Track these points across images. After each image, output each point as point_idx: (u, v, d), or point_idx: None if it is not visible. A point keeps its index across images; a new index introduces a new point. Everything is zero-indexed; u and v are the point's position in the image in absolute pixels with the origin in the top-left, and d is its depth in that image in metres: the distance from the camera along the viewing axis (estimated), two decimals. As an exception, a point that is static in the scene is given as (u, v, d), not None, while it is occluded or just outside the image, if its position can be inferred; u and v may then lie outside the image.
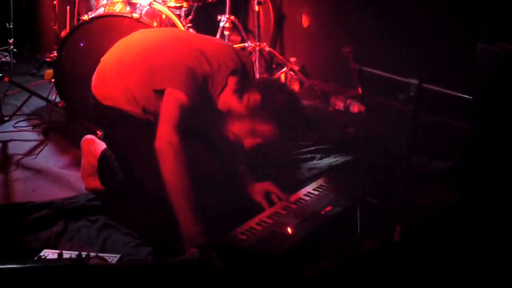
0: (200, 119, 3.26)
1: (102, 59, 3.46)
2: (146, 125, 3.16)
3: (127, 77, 3.25)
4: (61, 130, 4.58)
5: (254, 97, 3.13)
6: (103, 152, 3.56)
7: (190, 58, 3.16)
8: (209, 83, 3.16)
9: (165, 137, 2.98)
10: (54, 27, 5.61)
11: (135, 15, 4.24)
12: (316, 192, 3.41)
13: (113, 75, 3.31)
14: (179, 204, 2.93)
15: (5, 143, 4.37)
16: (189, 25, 5.02)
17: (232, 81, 3.18)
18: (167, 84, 3.08)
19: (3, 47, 5.83)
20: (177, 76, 3.09)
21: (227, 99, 3.19)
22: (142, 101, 3.23)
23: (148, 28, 4.11)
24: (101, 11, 4.51)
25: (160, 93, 3.09)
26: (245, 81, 3.23)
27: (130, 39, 3.47)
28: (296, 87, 5.72)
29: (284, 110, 3.12)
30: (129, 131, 3.27)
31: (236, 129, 3.18)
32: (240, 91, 3.17)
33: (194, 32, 4.93)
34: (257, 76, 5.61)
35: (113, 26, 4.23)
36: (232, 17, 5.63)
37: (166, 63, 3.17)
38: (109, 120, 3.35)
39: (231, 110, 3.18)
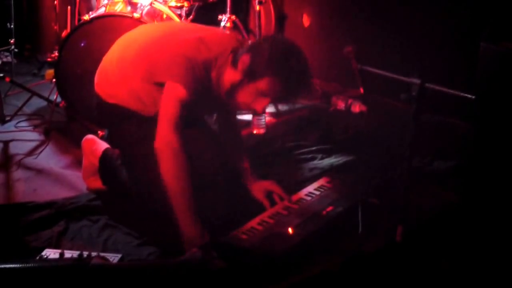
0: (201, 110, 3.26)
1: (104, 58, 3.46)
2: (152, 122, 3.15)
3: (131, 76, 3.25)
4: (62, 130, 4.58)
5: (244, 58, 3.05)
6: (104, 152, 3.56)
7: (188, 48, 3.15)
8: (212, 70, 3.15)
9: (165, 137, 2.99)
10: (55, 27, 5.62)
11: (136, 15, 4.24)
12: (317, 192, 3.40)
13: (116, 74, 3.31)
14: (178, 205, 2.94)
15: (6, 143, 4.38)
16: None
17: (230, 58, 3.15)
18: (167, 77, 3.08)
19: (4, 47, 5.83)
20: (176, 69, 3.08)
21: (227, 76, 3.14)
22: (148, 98, 3.22)
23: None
24: (102, 11, 4.51)
25: (161, 85, 3.09)
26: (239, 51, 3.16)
27: (130, 36, 3.47)
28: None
29: (276, 56, 3.02)
30: (134, 129, 3.27)
31: (244, 97, 3.11)
32: (234, 62, 3.11)
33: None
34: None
35: (114, 26, 4.23)
36: (233, 17, 5.63)
37: (165, 56, 3.17)
38: (113, 118, 3.35)
39: (232, 83, 3.12)
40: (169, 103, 3.04)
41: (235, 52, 3.15)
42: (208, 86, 3.15)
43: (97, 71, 3.45)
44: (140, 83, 3.22)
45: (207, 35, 3.27)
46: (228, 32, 3.61)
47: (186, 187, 2.96)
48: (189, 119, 3.10)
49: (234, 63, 3.10)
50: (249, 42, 3.39)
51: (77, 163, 3.99)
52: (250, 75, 3.04)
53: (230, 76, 3.11)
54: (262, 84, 3.02)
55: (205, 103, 3.20)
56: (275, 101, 3.14)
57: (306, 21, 6.04)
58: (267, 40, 3.13)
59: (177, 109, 3.01)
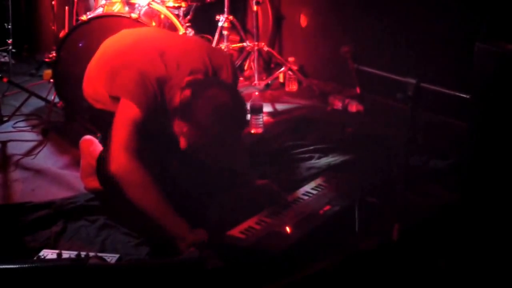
0: (158, 125, 3.20)
1: (90, 62, 3.48)
2: None
3: (97, 83, 3.27)
4: (60, 130, 4.58)
5: (186, 92, 3.01)
6: (102, 152, 3.56)
7: (144, 61, 3.14)
8: (165, 87, 3.10)
9: (118, 163, 2.99)
10: (53, 28, 5.62)
11: (134, 15, 4.25)
12: (314, 192, 3.41)
13: (95, 76, 3.33)
14: (157, 216, 2.96)
15: (4, 143, 4.38)
16: (187, 24, 5.03)
17: (185, 80, 3.08)
18: (121, 93, 3.08)
19: (2, 48, 5.84)
20: (131, 85, 3.06)
21: (175, 98, 3.07)
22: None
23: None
24: (99, 11, 4.52)
25: (117, 100, 3.10)
26: (197, 81, 3.10)
27: (110, 40, 3.49)
28: (294, 86, 5.74)
29: (208, 114, 2.95)
30: None
31: (175, 126, 3.07)
32: (183, 88, 3.04)
33: (192, 31, 4.93)
34: (256, 76, 5.65)
35: (111, 26, 4.22)
36: (231, 17, 5.65)
37: (122, 66, 3.16)
38: (103, 122, 3.35)
39: (175, 107, 3.07)
40: (122, 125, 3.02)
41: (195, 74, 3.12)
42: (162, 103, 3.11)
43: (84, 77, 3.46)
44: (104, 91, 3.24)
45: (172, 49, 3.24)
46: (200, 44, 3.47)
47: (156, 199, 2.96)
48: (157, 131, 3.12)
49: (182, 89, 3.05)
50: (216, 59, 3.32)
51: (75, 163, 3.99)
52: (183, 112, 3.01)
53: (175, 100, 3.07)
54: (184, 127, 3.01)
55: (160, 120, 3.16)
56: (189, 149, 3.06)
57: (303, 21, 6.05)
58: (218, 88, 3.05)
59: (130, 131, 3.00)
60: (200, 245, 2.82)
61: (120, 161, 2.98)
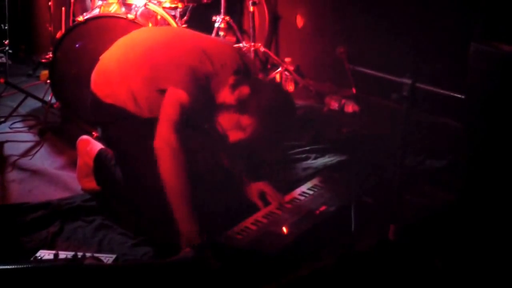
0: (202, 118, 3.28)
1: (102, 57, 3.46)
2: (147, 124, 3.15)
3: (131, 78, 3.25)
4: (57, 131, 4.58)
5: (244, 89, 3.11)
6: (99, 153, 3.57)
7: (192, 58, 3.17)
8: (212, 83, 3.17)
9: (164, 137, 3.00)
10: (50, 28, 5.62)
11: (130, 16, 4.25)
12: (310, 192, 3.42)
13: (116, 74, 3.31)
14: (177, 204, 2.93)
15: (1, 144, 4.37)
16: (184, 25, 5.04)
17: (231, 80, 3.17)
18: (170, 84, 3.10)
19: (-1, 49, 5.84)
20: (180, 76, 3.11)
21: (223, 94, 3.17)
22: (145, 103, 3.23)
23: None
24: (96, 12, 4.52)
25: (161, 92, 3.11)
26: (244, 79, 3.19)
27: (132, 38, 3.47)
28: (291, 87, 5.74)
29: (273, 106, 3.11)
30: (128, 130, 3.27)
31: (224, 121, 3.16)
32: (234, 86, 3.15)
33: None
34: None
35: (108, 27, 4.23)
36: (227, 18, 5.65)
37: (169, 63, 3.19)
38: (108, 118, 3.35)
39: (224, 103, 3.16)
40: (170, 105, 3.05)
41: (238, 74, 3.18)
42: (208, 96, 3.17)
43: (95, 70, 3.45)
44: (141, 86, 3.23)
45: (211, 47, 3.28)
46: (229, 44, 3.58)
47: (185, 185, 2.96)
48: (190, 127, 3.13)
49: (233, 86, 3.14)
50: (252, 61, 3.42)
51: (71, 164, 3.99)
52: (241, 106, 3.11)
53: (225, 95, 3.16)
54: (247, 121, 3.11)
55: (204, 111, 3.21)
56: (248, 141, 3.15)
57: (299, 22, 6.06)
58: (270, 85, 3.24)
59: (178, 111, 3.03)
60: (197, 245, 2.83)
61: (165, 133, 3.01)
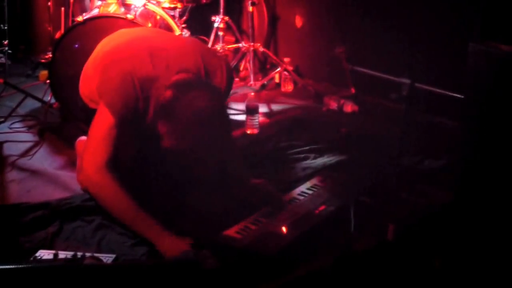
0: (146, 126, 3.20)
1: (87, 61, 3.49)
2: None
3: (95, 79, 3.28)
4: (56, 131, 4.58)
5: (168, 94, 3.00)
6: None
7: (131, 60, 3.14)
8: (152, 87, 3.10)
9: (85, 174, 3.06)
10: (49, 28, 5.62)
11: (130, 16, 4.25)
12: (310, 192, 3.42)
13: (91, 75, 3.34)
14: (128, 224, 3.03)
15: (0, 144, 4.37)
16: (183, 25, 5.04)
17: (172, 80, 3.07)
18: (101, 95, 3.12)
19: (-2, 49, 5.84)
20: (110, 85, 3.09)
21: (160, 98, 3.06)
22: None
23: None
24: (95, 12, 4.52)
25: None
26: (187, 81, 3.08)
27: (106, 39, 3.51)
28: (290, 87, 5.75)
29: (196, 118, 2.92)
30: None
31: (159, 126, 3.03)
32: (168, 86, 3.03)
33: (187, 32, 4.95)
34: (251, 76, 5.67)
35: (107, 27, 4.22)
36: (226, 18, 5.66)
37: (111, 64, 3.18)
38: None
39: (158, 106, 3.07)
40: (96, 136, 3.08)
41: (178, 77, 3.10)
42: (147, 104, 3.11)
43: (82, 72, 3.48)
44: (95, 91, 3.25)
45: (164, 49, 3.23)
46: (194, 45, 3.46)
47: (125, 208, 3.01)
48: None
49: (165, 90, 3.04)
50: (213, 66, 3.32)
51: (71, 164, 3.99)
52: (162, 112, 3.02)
53: (160, 100, 3.05)
54: (163, 130, 3.00)
55: (147, 121, 3.16)
56: (175, 150, 3.00)
57: (298, 21, 6.07)
58: (209, 94, 3.02)
59: (102, 137, 3.05)
60: (197, 245, 2.84)
61: (89, 175, 3.05)
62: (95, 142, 3.04)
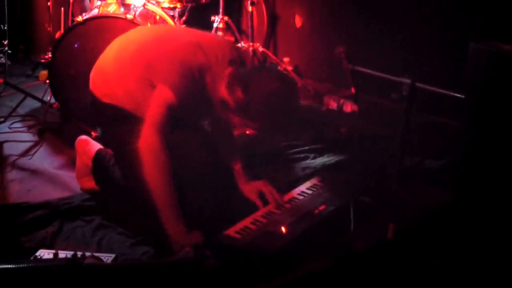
0: (198, 115, 3.28)
1: (100, 57, 3.47)
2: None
3: (126, 76, 3.26)
4: (56, 131, 4.59)
5: (239, 94, 3.07)
6: (97, 153, 3.57)
7: (185, 52, 3.19)
8: (207, 76, 3.16)
9: (147, 138, 3.03)
10: (49, 29, 5.62)
11: (129, 16, 4.26)
12: (309, 191, 3.42)
13: (112, 73, 3.33)
14: (161, 205, 2.99)
15: (0, 144, 4.37)
16: (183, 26, 5.04)
17: (227, 72, 3.15)
18: (160, 80, 3.11)
19: (-2, 49, 5.84)
20: (170, 73, 3.12)
21: (221, 89, 3.15)
22: (143, 99, 3.21)
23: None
24: (95, 12, 4.52)
25: (154, 87, 3.13)
26: (240, 73, 3.17)
27: (127, 36, 3.49)
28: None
29: (273, 108, 3.05)
30: (127, 129, 3.26)
31: (234, 119, 3.17)
32: (229, 85, 3.12)
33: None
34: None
35: (107, 27, 4.23)
36: (226, 18, 5.65)
37: (162, 58, 3.20)
38: (107, 118, 3.36)
39: (223, 99, 3.14)
40: (155, 105, 3.07)
41: (233, 65, 3.16)
42: (202, 90, 3.17)
43: (93, 70, 3.46)
44: (136, 84, 3.23)
45: (205, 40, 3.29)
46: (224, 38, 3.59)
47: (167, 186, 3.00)
48: (183, 121, 3.13)
49: (229, 86, 3.11)
50: (245, 59, 3.38)
51: (71, 163, 3.99)
52: (241, 111, 3.09)
53: (224, 93, 3.13)
54: (250, 124, 3.14)
55: (198, 106, 3.21)
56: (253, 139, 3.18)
57: (298, 21, 6.06)
58: (268, 78, 3.13)
59: (163, 112, 3.05)
60: (196, 244, 2.84)
61: (148, 134, 3.04)
62: (157, 111, 3.06)
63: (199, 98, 3.16)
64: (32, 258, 2.86)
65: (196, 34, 3.45)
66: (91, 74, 3.46)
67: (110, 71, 3.35)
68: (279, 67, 5.71)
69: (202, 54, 3.17)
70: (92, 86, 3.42)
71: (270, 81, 3.08)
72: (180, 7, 5.02)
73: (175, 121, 3.13)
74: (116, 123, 3.32)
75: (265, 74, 3.16)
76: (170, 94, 3.05)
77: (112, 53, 3.42)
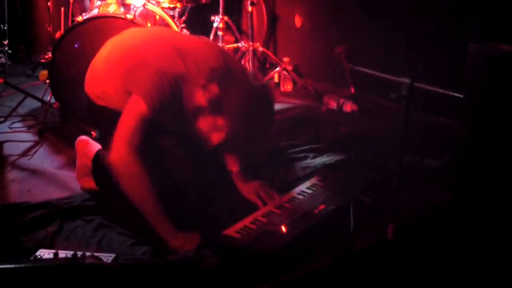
0: (174, 124, 3.24)
1: (94, 58, 3.47)
2: None
3: (113, 78, 3.26)
4: (56, 131, 4.59)
5: (213, 87, 3.03)
6: (97, 153, 3.56)
7: (163, 59, 3.14)
8: (184, 85, 3.11)
9: (117, 151, 3.01)
10: (49, 28, 5.62)
11: (129, 16, 4.26)
12: (309, 191, 3.42)
13: (103, 75, 3.33)
14: (145, 214, 3.00)
15: (0, 144, 4.38)
16: (182, 25, 5.04)
17: (204, 80, 3.09)
18: (135, 89, 3.08)
19: (-2, 49, 5.85)
20: (144, 82, 3.07)
21: (198, 97, 3.10)
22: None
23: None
24: (95, 12, 4.52)
25: (128, 95, 3.11)
26: (214, 77, 3.10)
27: (118, 38, 3.48)
28: (289, 86, 5.75)
29: (245, 104, 3.02)
30: None
31: (203, 125, 3.09)
32: (205, 86, 3.07)
33: (187, 32, 4.95)
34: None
35: (107, 27, 4.23)
36: (226, 18, 5.66)
37: (140, 64, 3.16)
38: (103, 120, 3.36)
39: (199, 106, 3.10)
40: (127, 118, 3.04)
41: (213, 73, 3.11)
42: (179, 100, 3.12)
43: (88, 70, 3.47)
44: (119, 87, 3.23)
45: (189, 47, 3.25)
46: (214, 45, 3.52)
47: (147, 196, 2.99)
48: (165, 128, 3.15)
49: (204, 86, 3.07)
50: (231, 62, 3.34)
51: (71, 163, 3.99)
52: (213, 106, 3.04)
53: (199, 98, 3.09)
54: (221, 121, 3.04)
55: (176, 116, 3.17)
56: (227, 141, 3.10)
57: (298, 21, 6.07)
58: (246, 81, 3.14)
59: (135, 125, 3.01)
60: (197, 244, 2.85)
61: (120, 151, 3.00)
62: (129, 124, 3.02)
63: (177, 107, 3.12)
64: (32, 258, 2.86)
65: (181, 40, 3.41)
66: (86, 76, 3.47)
67: (101, 72, 3.36)
68: (278, 68, 5.72)
69: (181, 63, 3.13)
70: (86, 87, 3.43)
71: (248, 86, 3.11)
72: (180, 7, 5.03)
73: (158, 127, 3.12)
74: (112, 125, 3.31)
75: (247, 80, 3.17)
76: (143, 106, 3.01)
77: (104, 54, 3.43)
